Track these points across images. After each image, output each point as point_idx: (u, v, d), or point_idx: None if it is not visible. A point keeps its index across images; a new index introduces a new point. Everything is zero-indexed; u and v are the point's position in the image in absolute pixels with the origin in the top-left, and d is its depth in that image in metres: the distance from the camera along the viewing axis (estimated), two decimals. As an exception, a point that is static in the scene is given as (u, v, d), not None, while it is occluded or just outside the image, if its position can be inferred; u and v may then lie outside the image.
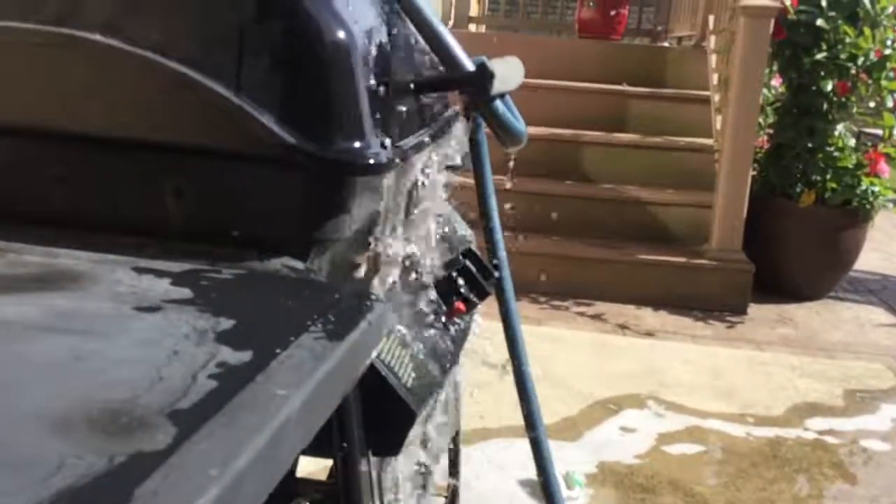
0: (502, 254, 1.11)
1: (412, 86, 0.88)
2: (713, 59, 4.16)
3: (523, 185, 3.52)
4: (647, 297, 3.53)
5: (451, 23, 5.63)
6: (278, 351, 0.54)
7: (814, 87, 3.67)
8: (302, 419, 0.50)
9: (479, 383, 2.29)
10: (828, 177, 3.69)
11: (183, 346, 0.55)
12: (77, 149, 0.77)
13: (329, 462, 0.89)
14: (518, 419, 1.16)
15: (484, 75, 0.90)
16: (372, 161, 0.75)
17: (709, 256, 3.62)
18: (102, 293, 0.62)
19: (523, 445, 1.20)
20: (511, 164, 1.07)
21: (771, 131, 3.96)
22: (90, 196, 0.79)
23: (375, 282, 0.88)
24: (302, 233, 0.77)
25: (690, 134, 4.08)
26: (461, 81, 0.91)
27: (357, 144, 0.75)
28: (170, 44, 0.73)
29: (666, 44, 5.57)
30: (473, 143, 1.05)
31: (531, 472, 1.23)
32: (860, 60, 3.62)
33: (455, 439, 1.33)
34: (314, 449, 0.66)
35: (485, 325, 1.15)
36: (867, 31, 3.59)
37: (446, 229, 1.11)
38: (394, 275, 0.90)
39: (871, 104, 3.83)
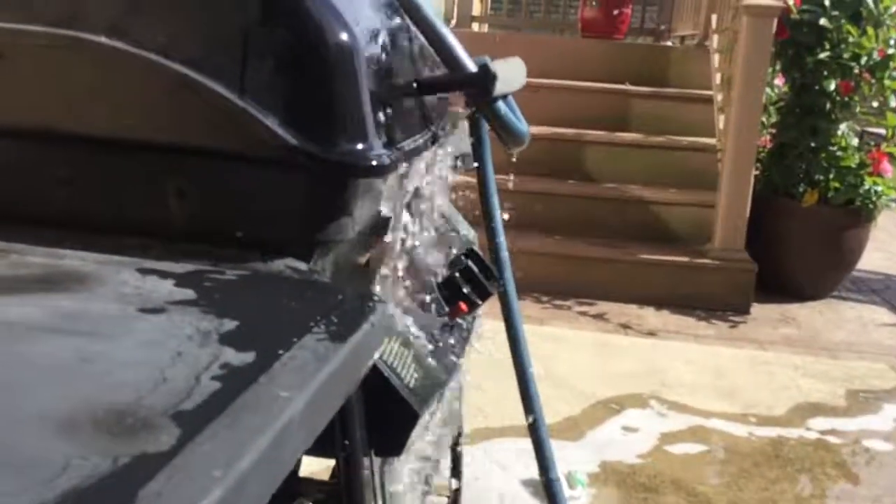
0: (504, 254, 1.12)
1: (415, 87, 0.88)
2: (716, 58, 4.16)
3: (525, 185, 3.52)
4: (650, 297, 3.53)
5: (453, 22, 5.64)
6: (281, 352, 0.54)
7: (817, 87, 3.67)
8: (305, 420, 0.50)
9: (482, 383, 2.29)
10: (831, 176, 3.69)
11: (187, 348, 0.55)
12: (81, 150, 0.78)
13: (332, 461, 0.89)
14: (520, 419, 1.16)
15: (486, 76, 0.90)
16: (375, 163, 0.76)
17: (711, 256, 3.62)
18: (108, 294, 0.63)
19: (525, 445, 1.20)
20: (513, 160, 1.07)
21: (774, 131, 3.95)
22: (94, 197, 0.79)
23: (378, 282, 0.89)
24: (305, 234, 0.78)
25: (693, 133, 4.08)
26: (464, 82, 0.91)
27: (360, 146, 0.75)
28: (174, 46, 0.74)
29: (669, 43, 5.57)
30: (476, 143, 1.05)
31: (533, 472, 1.23)
32: (863, 60, 3.62)
33: (457, 439, 1.33)
34: (317, 449, 0.67)
35: (487, 325, 1.16)
36: (870, 30, 3.58)
37: (448, 229, 1.11)
38: (397, 275, 0.90)
39: (875, 104, 3.82)
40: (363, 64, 0.76)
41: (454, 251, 1.08)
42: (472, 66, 0.89)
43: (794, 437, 2.46)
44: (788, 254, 3.72)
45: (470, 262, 1.05)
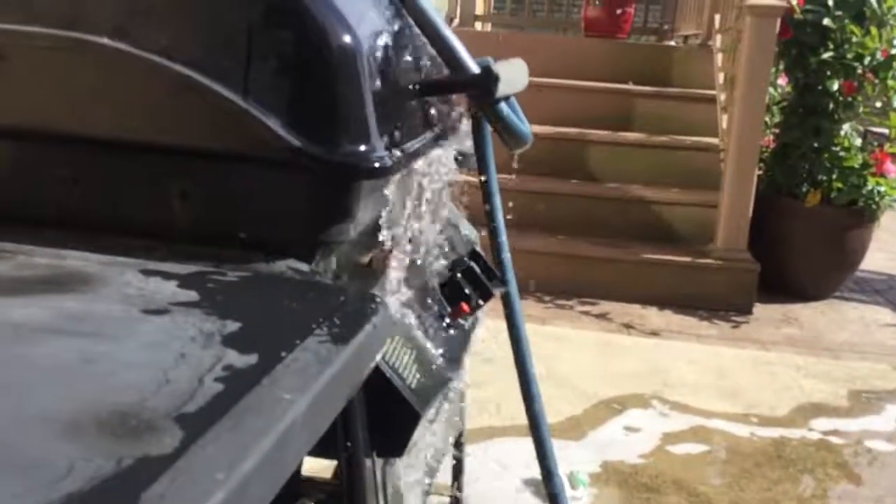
0: (506, 255, 1.12)
1: (417, 89, 0.88)
2: (719, 57, 4.15)
3: (528, 184, 3.53)
4: (652, 297, 3.53)
5: (456, 21, 5.64)
6: (284, 354, 0.54)
7: (820, 87, 3.67)
8: (307, 422, 0.50)
9: (483, 383, 2.30)
10: (834, 176, 3.68)
11: (190, 350, 0.55)
12: (85, 152, 0.78)
13: (334, 461, 0.89)
14: (522, 418, 1.16)
15: (489, 78, 0.90)
16: (377, 164, 0.76)
17: (714, 256, 3.61)
18: (112, 295, 0.63)
19: (527, 445, 1.20)
20: (514, 163, 1.07)
21: (777, 131, 3.95)
22: (98, 198, 0.79)
23: (380, 283, 0.89)
24: (307, 235, 0.78)
25: (696, 133, 4.08)
26: (466, 84, 0.91)
27: (363, 148, 0.75)
28: (177, 47, 0.74)
29: (672, 42, 5.56)
30: (478, 144, 1.05)
31: (535, 472, 1.24)
32: (867, 60, 3.62)
33: (459, 439, 1.34)
34: (319, 450, 0.67)
35: (489, 324, 1.16)
36: (874, 30, 3.58)
37: (451, 230, 1.11)
38: (399, 276, 0.91)
39: (878, 104, 3.82)
40: (366, 66, 0.76)
41: (456, 251, 1.08)
42: (474, 68, 0.89)
43: (796, 438, 2.46)
44: (791, 254, 3.72)
45: (472, 263, 1.05)
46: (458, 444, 1.35)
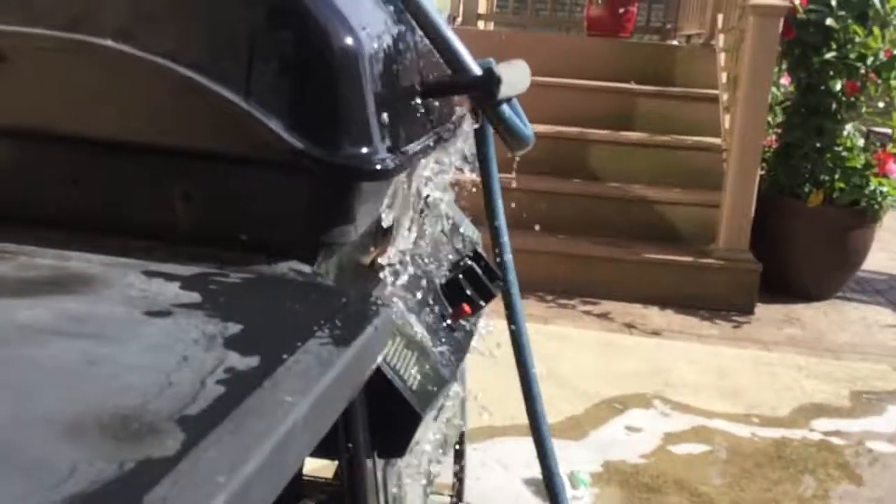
0: (508, 256, 1.12)
1: (419, 90, 0.88)
2: (722, 57, 4.15)
3: (529, 183, 3.52)
4: (654, 297, 3.53)
5: (459, 20, 5.64)
6: (285, 356, 0.55)
7: (823, 87, 3.67)
8: (308, 425, 0.50)
9: (484, 382, 2.30)
10: (836, 177, 3.68)
11: (192, 352, 0.56)
12: (87, 153, 0.78)
13: (335, 462, 0.89)
14: (523, 418, 1.16)
15: (491, 79, 0.90)
16: (379, 167, 0.76)
17: (716, 256, 3.61)
18: (114, 297, 0.63)
19: (528, 444, 1.21)
20: (514, 164, 1.08)
21: (779, 130, 3.95)
22: (100, 200, 0.80)
23: (382, 284, 0.89)
24: (309, 237, 0.78)
25: (698, 133, 4.08)
26: (468, 85, 0.91)
27: (364, 150, 0.75)
28: (180, 49, 0.74)
29: (675, 42, 5.56)
30: (480, 144, 1.05)
31: (536, 471, 1.24)
32: (869, 60, 3.62)
33: (460, 439, 1.34)
34: (320, 451, 0.67)
35: (490, 323, 1.16)
36: (877, 30, 3.58)
37: (452, 230, 1.11)
38: (401, 277, 0.91)
39: (881, 104, 3.82)
40: (368, 67, 0.76)
41: (457, 252, 1.08)
42: (476, 69, 0.89)
43: (798, 438, 2.46)
44: (793, 254, 3.72)
45: (473, 264, 1.05)
46: (460, 444, 1.36)
